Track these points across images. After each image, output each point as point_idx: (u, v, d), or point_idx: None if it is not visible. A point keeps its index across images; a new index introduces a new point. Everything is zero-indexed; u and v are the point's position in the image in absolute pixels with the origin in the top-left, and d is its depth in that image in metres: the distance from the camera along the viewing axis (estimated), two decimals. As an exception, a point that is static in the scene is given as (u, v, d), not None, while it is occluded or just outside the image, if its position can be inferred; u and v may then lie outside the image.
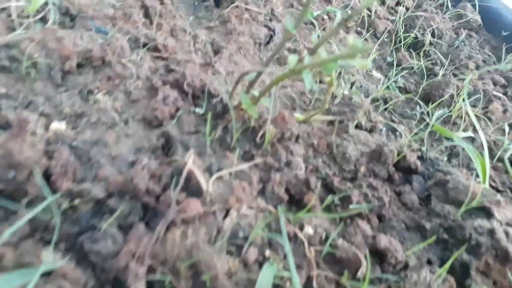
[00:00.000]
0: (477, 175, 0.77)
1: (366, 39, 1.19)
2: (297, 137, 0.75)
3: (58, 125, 0.65)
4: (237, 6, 1.00)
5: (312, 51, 0.56)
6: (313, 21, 1.11)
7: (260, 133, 0.69)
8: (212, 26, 0.98)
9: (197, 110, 0.78)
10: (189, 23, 0.99)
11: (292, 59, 0.55)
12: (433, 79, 1.09)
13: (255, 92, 0.69)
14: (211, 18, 1.02)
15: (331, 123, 0.83)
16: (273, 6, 1.08)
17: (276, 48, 0.61)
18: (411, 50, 1.21)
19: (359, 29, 1.22)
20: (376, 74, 1.13)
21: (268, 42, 0.97)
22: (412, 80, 1.14)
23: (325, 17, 1.13)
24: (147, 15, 0.92)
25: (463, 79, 1.10)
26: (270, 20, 1.04)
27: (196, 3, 1.09)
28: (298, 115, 0.75)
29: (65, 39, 0.72)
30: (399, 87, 1.08)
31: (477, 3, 1.31)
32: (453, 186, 0.73)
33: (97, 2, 0.89)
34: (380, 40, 1.21)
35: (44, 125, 0.65)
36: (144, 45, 0.83)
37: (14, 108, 0.65)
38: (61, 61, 0.72)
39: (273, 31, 1.00)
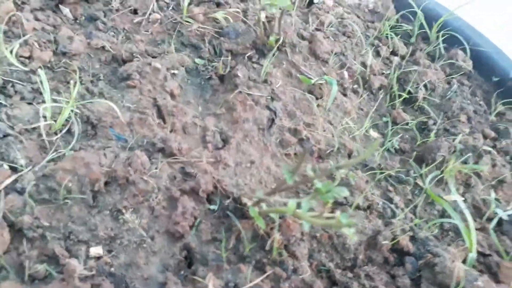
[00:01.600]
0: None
1: (363, 97, 1.29)
2: (302, 233, 0.86)
3: (95, 250, 0.78)
4: (240, 92, 1.11)
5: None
6: (310, 96, 1.21)
7: (269, 242, 0.81)
8: (219, 113, 1.09)
9: (212, 207, 0.90)
10: (199, 112, 1.10)
11: (291, 205, 0.66)
12: (426, 140, 1.19)
13: (263, 205, 0.81)
14: (218, 102, 1.13)
15: (332, 210, 0.95)
16: (273, 82, 1.18)
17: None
18: (406, 105, 1.31)
19: (355, 86, 1.32)
20: (373, 133, 1.24)
21: (270, 126, 1.08)
22: (407, 136, 1.24)
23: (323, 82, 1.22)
24: (160, 114, 1.03)
25: (455, 136, 1.20)
26: (272, 99, 1.14)
27: (203, 82, 1.20)
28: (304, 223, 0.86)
29: (92, 163, 0.84)
30: (395, 149, 1.19)
31: (467, 48, 1.39)
32: (440, 269, 0.84)
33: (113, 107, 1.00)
34: (376, 97, 1.31)
35: (84, 253, 0.77)
36: (160, 149, 0.94)
37: (58, 239, 0.78)
38: (91, 184, 0.84)
39: (275, 112, 1.11)
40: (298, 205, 0.70)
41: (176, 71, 1.15)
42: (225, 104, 1.11)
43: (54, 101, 0.98)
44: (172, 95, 1.10)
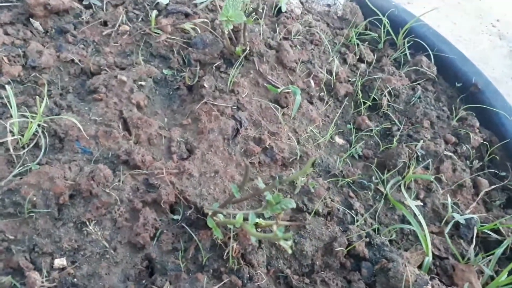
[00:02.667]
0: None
1: (329, 105, 1.34)
2: (260, 241, 0.91)
3: (59, 262, 0.81)
4: (206, 103, 1.15)
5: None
6: (277, 107, 1.26)
7: (226, 251, 0.85)
8: (185, 124, 1.13)
9: (175, 217, 0.95)
10: (165, 123, 1.14)
11: (239, 218, 0.70)
12: (389, 146, 1.24)
13: (221, 216, 0.85)
14: (185, 113, 1.17)
15: (291, 217, 1.00)
16: (240, 91, 1.23)
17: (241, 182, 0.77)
18: (371, 112, 1.36)
19: (322, 94, 1.37)
20: (339, 140, 1.29)
21: (235, 135, 1.12)
22: (371, 142, 1.29)
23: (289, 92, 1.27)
24: (126, 126, 1.07)
25: (418, 141, 1.25)
26: (238, 109, 1.19)
27: (171, 93, 1.24)
28: (260, 222, 0.90)
29: (57, 177, 0.88)
30: (359, 155, 1.24)
31: (431, 54, 1.45)
32: (393, 274, 0.89)
33: (81, 120, 1.04)
34: (342, 104, 1.36)
35: (49, 264, 0.81)
36: (124, 162, 0.98)
37: (23, 252, 0.82)
38: (55, 197, 0.88)
39: (240, 122, 1.15)
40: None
41: (143, 83, 1.19)
42: (191, 115, 1.16)
43: (23, 115, 1.02)
44: (139, 107, 1.14)
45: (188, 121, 1.14)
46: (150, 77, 1.22)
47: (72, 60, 1.20)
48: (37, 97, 1.05)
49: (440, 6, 3.06)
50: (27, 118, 1.00)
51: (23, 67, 1.16)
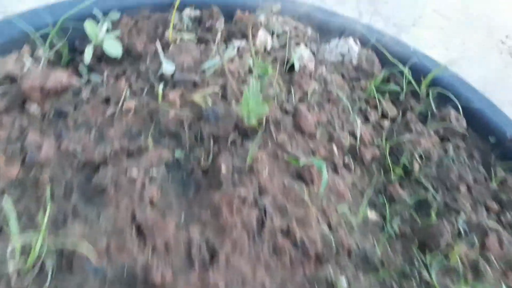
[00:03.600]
0: None
1: (356, 173, 1.23)
2: None
3: None
4: (225, 192, 1.04)
5: None
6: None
7: None
8: (204, 219, 1.02)
9: None
10: (181, 219, 1.03)
11: None
12: (428, 220, 1.13)
13: None
14: (202, 204, 1.06)
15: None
16: (259, 169, 1.12)
17: None
18: (402, 178, 1.25)
19: (346, 160, 1.26)
20: (371, 215, 1.18)
21: (261, 229, 1.01)
22: (407, 215, 1.18)
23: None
24: (139, 231, 0.96)
25: (457, 212, 1.14)
26: (260, 193, 1.08)
27: (185, 177, 1.13)
28: None
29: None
30: (395, 234, 1.13)
31: (459, 105, 1.34)
32: None
33: (89, 231, 0.93)
34: (369, 170, 1.25)
35: None
36: (143, 281, 0.87)
37: None
38: None
39: (264, 210, 1.04)
40: None
41: (154, 172, 1.08)
42: (210, 207, 1.04)
43: (24, 229, 0.91)
44: (152, 203, 1.03)
45: (207, 215, 1.02)
46: (162, 163, 1.11)
47: (74, 150, 1.09)
48: (40, 204, 0.94)
49: (446, 25, 2.97)
50: (30, 234, 0.89)
51: (21, 164, 1.05)
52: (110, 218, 0.96)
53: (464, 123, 1.34)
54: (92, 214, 0.98)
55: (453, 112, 1.34)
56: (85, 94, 1.23)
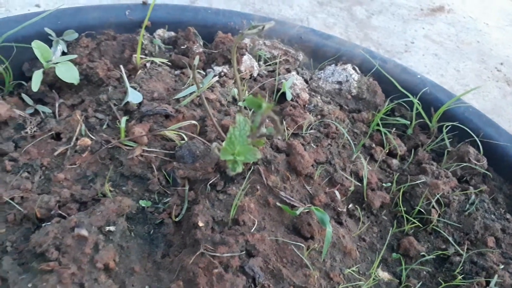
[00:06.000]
0: None
1: (362, 222, 1.05)
2: None
3: None
4: (202, 254, 0.84)
5: None
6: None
7: None
8: (175, 290, 0.81)
9: None
10: (146, 290, 0.82)
11: None
12: (451, 281, 0.95)
13: None
14: (172, 268, 0.85)
15: None
16: (246, 222, 0.93)
17: None
18: (417, 227, 1.07)
19: (351, 207, 1.08)
20: (383, 274, 0.99)
21: (250, 302, 0.81)
22: (425, 274, 1.00)
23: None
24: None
25: (486, 270, 0.97)
26: (247, 253, 0.88)
27: (152, 231, 0.93)
28: None
29: None
30: (415, 299, 0.94)
31: (479, 143, 1.18)
32: None
33: None
34: (378, 219, 1.07)
35: None
36: None
37: None
38: None
39: (253, 277, 0.84)
40: None
41: (112, 227, 0.87)
42: (182, 273, 0.84)
43: None
44: (108, 269, 0.82)
45: (179, 285, 0.82)
46: (122, 215, 0.91)
47: (12, 200, 0.89)
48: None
49: (439, 52, 2.88)
50: None
51: None
52: (50, 293, 0.75)
53: (485, 162, 1.18)
54: (26, 286, 0.76)
55: (472, 150, 1.18)
56: (30, 128, 1.04)
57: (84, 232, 0.81)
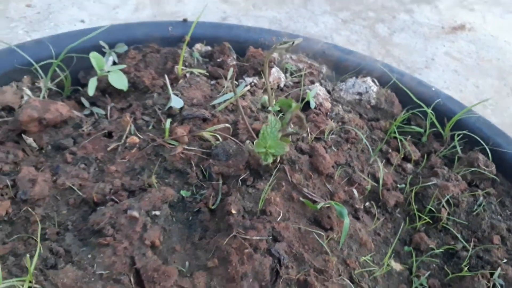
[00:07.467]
0: None
1: (378, 219, 1.15)
2: None
3: None
4: (235, 236, 0.95)
5: None
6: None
7: None
8: (211, 266, 0.93)
9: None
10: (186, 267, 0.94)
11: None
12: (458, 273, 1.04)
13: None
14: (209, 248, 0.97)
15: None
16: (273, 212, 1.04)
17: None
18: (428, 225, 1.16)
19: (368, 205, 1.18)
20: (395, 265, 1.09)
21: (275, 280, 0.92)
22: (434, 266, 1.09)
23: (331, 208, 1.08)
24: (139, 278, 0.87)
25: (491, 265, 1.05)
26: (274, 238, 0.99)
27: (190, 218, 1.05)
28: None
29: None
30: (423, 287, 1.03)
31: (488, 150, 1.27)
32: None
33: (83, 275, 0.84)
34: (392, 216, 1.17)
35: None
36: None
37: None
38: None
39: (279, 259, 0.95)
40: None
41: (157, 212, 1.00)
42: (217, 252, 0.96)
43: (8, 273, 0.83)
44: (154, 247, 0.94)
45: (214, 262, 0.94)
46: (166, 202, 1.03)
47: (72, 186, 1.03)
48: (29, 244, 0.86)
49: (459, 68, 2.96)
50: (14, 281, 0.80)
51: (12, 201, 0.98)
52: (107, 262, 0.88)
53: (493, 168, 1.26)
54: (86, 258, 0.89)
55: (481, 157, 1.27)
56: (86, 127, 1.18)
57: (135, 213, 0.94)
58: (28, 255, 0.81)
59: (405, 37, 2.90)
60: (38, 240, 0.88)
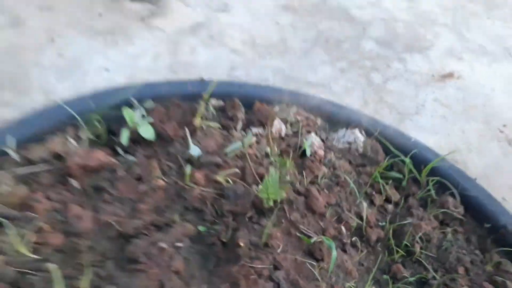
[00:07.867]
0: None
1: (362, 252, 1.37)
2: None
3: None
4: (243, 265, 1.18)
5: None
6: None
7: None
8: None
9: None
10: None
11: None
12: (428, 299, 1.25)
13: None
14: (221, 276, 1.19)
15: None
16: (274, 245, 1.26)
17: None
18: (405, 257, 1.38)
19: (354, 240, 1.40)
20: (376, 293, 1.30)
21: (275, 301, 1.14)
22: (409, 292, 1.30)
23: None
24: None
25: (456, 291, 1.26)
26: (274, 267, 1.22)
27: (206, 250, 1.27)
28: None
29: None
30: (398, 311, 1.24)
31: (457, 194, 1.50)
32: None
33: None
34: (374, 250, 1.39)
35: None
36: None
37: None
38: None
39: (278, 284, 1.17)
40: None
41: (180, 244, 1.23)
42: (229, 278, 1.18)
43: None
44: (178, 273, 1.16)
45: (226, 287, 1.16)
46: (187, 236, 1.26)
47: (110, 222, 1.26)
48: (79, 270, 1.09)
49: (447, 114, 3.20)
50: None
51: (64, 233, 1.21)
52: (141, 284, 1.10)
53: (461, 209, 1.49)
54: (124, 281, 1.12)
55: (451, 199, 1.50)
56: (120, 172, 1.42)
57: (164, 245, 1.17)
58: (80, 277, 1.04)
59: (397, 85, 3.17)
60: (88, 262, 1.10)
